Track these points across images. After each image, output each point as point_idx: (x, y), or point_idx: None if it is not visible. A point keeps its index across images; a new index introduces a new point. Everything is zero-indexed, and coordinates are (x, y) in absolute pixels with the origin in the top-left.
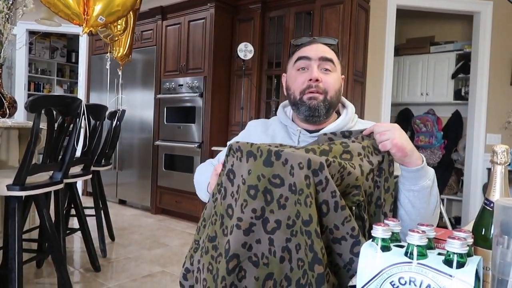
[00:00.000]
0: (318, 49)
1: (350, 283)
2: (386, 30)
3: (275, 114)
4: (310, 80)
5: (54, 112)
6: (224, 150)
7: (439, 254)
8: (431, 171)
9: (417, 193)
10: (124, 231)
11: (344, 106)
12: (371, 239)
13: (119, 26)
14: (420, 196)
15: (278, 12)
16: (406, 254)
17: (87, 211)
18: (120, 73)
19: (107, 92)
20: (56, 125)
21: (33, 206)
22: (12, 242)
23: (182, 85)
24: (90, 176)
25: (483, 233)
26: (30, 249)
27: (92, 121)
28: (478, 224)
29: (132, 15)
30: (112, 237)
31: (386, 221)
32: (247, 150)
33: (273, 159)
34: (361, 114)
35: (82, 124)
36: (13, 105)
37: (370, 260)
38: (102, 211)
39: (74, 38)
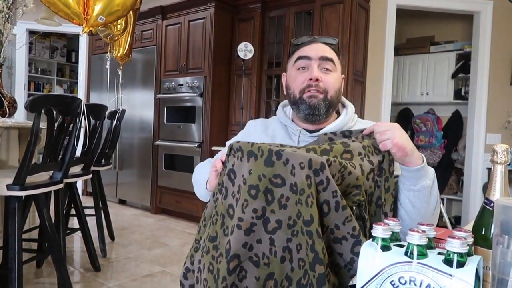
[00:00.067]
0: (318, 49)
1: (351, 283)
2: (386, 29)
3: (275, 114)
4: (310, 79)
5: (54, 112)
6: (223, 150)
7: (439, 253)
8: (431, 171)
9: (417, 192)
10: (124, 231)
11: (344, 106)
12: (371, 239)
13: (119, 26)
14: (420, 196)
15: (278, 11)
16: (406, 253)
17: (87, 211)
18: (120, 72)
19: (107, 92)
20: (56, 124)
21: (33, 206)
22: (12, 242)
23: (182, 84)
24: (90, 176)
25: (483, 232)
26: (30, 249)
27: (92, 121)
28: (478, 223)
29: (132, 15)
30: (112, 237)
31: (386, 221)
32: (248, 150)
33: (274, 158)
34: (361, 113)
35: (82, 124)
36: (13, 105)
37: (370, 259)
38: (102, 211)
39: (74, 38)
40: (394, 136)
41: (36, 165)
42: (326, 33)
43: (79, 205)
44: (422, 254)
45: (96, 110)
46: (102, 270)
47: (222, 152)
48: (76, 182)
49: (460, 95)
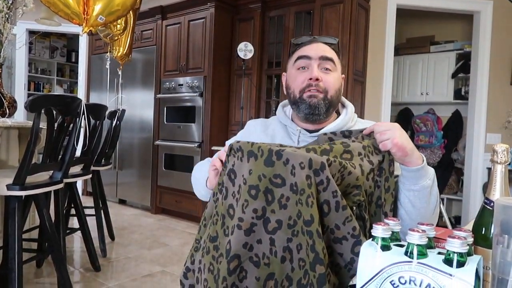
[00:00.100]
0: (318, 48)
1: (351, 283)
2: (386, 29)
3: (275, 114)
4: (310, 79)
5: (54, 112)
6: (222, 149)
7: (439, 253)
8: (431, 171)
9: (417, 192)
10: (124, 230)
11: (343, 105)
12: (371, 239)
13: (118, 26)
14: (420, 196)
15: (278, 11)
16: (406, 253)
17: (87, 211)
18: (120, 72)
19: (107, 92)
20: (56, 124)
21: (33, 205)
22: (12, 242)
23: (182, 84)
24: (90, 175)
25: (483, 232)
26: (30, 249)
27: (92, 121)
28: (478, 223)
29: (132, 15)
30: (112, 237)
31: (386, 221)
32: (248, 150)
33: (274, 158)
34: (361, 113)
35: (82, 124)
36: (13, 105)
37: (370, 259)
38: (102, 211)
39: (74, 38)
40: (394, 136)
41: (36, 165)
42: (326, 33)
43: (79, 205)
44: (422, 254)
45: (96, 110)
46: (102, 270)
47: (221, 151)
48: (76, 182)
49: (460, 95)
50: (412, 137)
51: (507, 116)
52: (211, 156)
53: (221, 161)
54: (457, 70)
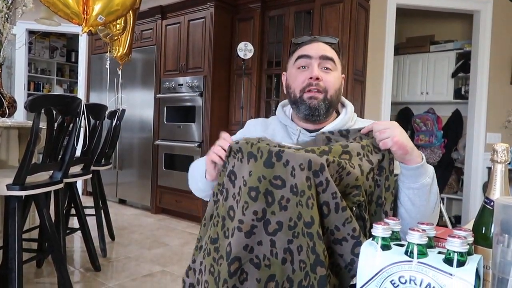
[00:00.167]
0: (318, 48)
1: (351, 282)
2: (386, 29)
3: (275, 114)
4: (311, 78)
5: (54, 112)
6: (218, 142)
7: (439, 253)
8: (431, 169)
9: (417, 191)
10: (124, 230)
11: (343, 105)
12: (371, 238)
13: (118, 26)
14: (420, 194)
15: (278, 11)
16: (406, 253)
17: (87, 211)
18: (120, 72)
19: (107, 92)
20: (56, 124)
21: (33, 205)
22: (12, 242)
23: (182, 84)
24: (90, 175)
25: (483, 231)
26: (30, 249)
27: (92, 121)
28: (478, 222)
29: (131, 15)
30: (112, 237)
31: (386, 220)
32: (248, 151)
33: (274, 160)
34: (361, 113)
35: (82, 124)
36: (12, 105)
37: (370, 259)
38: (102, 211)
39: (74, 38)
40: (394, 134)
41: (36, 165)
42: (326, 32)
43: (79, 205)
44: (422, 253)
45: (96, 110)
46: (102, 269)
47: (221, 140)
48: (76, 182)
49: (460, 94)
50: (412, 137)
51: (507, 115)
52: None
53: (223, 149)
54: (457, 70)
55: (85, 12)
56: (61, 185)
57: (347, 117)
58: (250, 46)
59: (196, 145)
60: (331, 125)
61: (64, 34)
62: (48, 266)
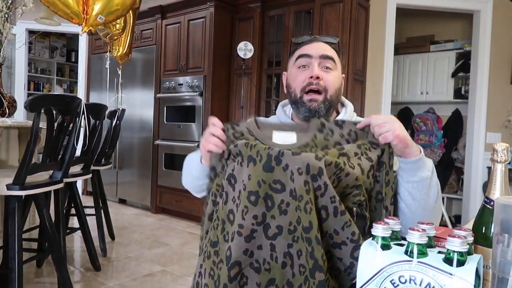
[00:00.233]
0: (319, 47)
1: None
2: (386, 28)
3: (275, 113)
4: (311, 77)
5: (54, 112)
6: (208, 128)
7: (439, 252)
8: (430, 162)
9: (417, 184)
10: (124, 230)
11: (343, 105)
12: (371, 238)
13: (118, 25)
14: (419, 188)
15: (277, 11)
16: (406, 252)
17: (87, 211)
18: (119, 72)
19: (107, 91)
20: (55, 124)
21: (33, 205)
22: (12, 242)
23: (182, 84)
24: (90, 175)
25: (483, 231)
26: (30, 249)
27: (92, 120)
28: (478, 222)
29: (131, 14)
30: (112, 237)
31: (386, 220)
32: (247, 155)
33: (274, 164)
34: (361, 113)
35: (82, 124)
36: (12, 105)
37: (370, 258)
38: (102, 211)
39: (74, 38)
40: (394, 128)
41: (36, 165)
42: (326, 32)
43: (79, 205)
44: (422, 253)
45: (96, 110)
46: (102, 269)
47: (211, 126)
48: (76, 181)
49: (460, 94)
50: (412, 137)
51: (507, 115)
52: None
53: (216, 136)
54: (457, 69)
55: (85, 12)
56: (61, 185)
57: (347, 116)
58: (250, 46)
59: (196, 144)
60: None
61: (64, 34)
62: (48, 266)
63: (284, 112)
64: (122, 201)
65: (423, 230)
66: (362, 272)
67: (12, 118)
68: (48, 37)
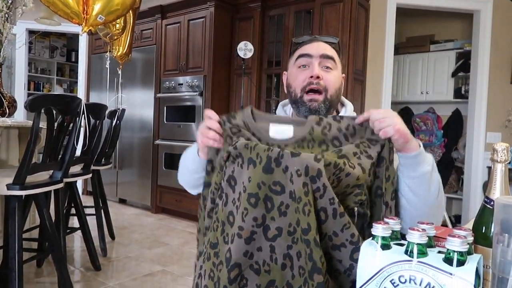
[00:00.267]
0: (319, 47)
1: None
2: (386, 28)
3: (275, 113)
4: (311, 77)
5: (54, 111)
6: (203, 123)
7: (439, 252)
8: (430, 156)
9: (417, 179)
10: (125, 230)
11: (343, 105)
12: (371, 238)
13: (118, 25)
14: (420, 183)
15: (278, 10)
16: (406, 252)
17: (87, 210)
18: (120, 72)
19: (107, 91)
20: (56, 124)
21: (33, 205)
22: (12, 242)
23: (182, 84)
24: (90, 175)
25: (483, 231)
26: (30, 248)
27: (92, 120)
28: (478, 222)
29: (131, 14)
30: (112, 236)
31: (386, 220)
32: (248, 157)
33: (273, 165)
34: (361, 112)
35: (82, 123)
36: (12, 105)
37: (370, 258)
38: (102, 210)
39: (74, 37)
40: (395, 122)
41: (36, 165)
42: (326, 32)
43: (79, 205)
44: (422, 253)
45: (96, 110)
46: (102, 269)
47: (207, 120)
48: (76, 181)
49: (460, 93)
50: None
51: (507, 114)
52: None
53: (212, 129)
54: (457, 69)
55: (85, 12)
56: (61, 185)
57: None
58: (250, 46)
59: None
60: None
61: (64, 34)
62: (48, 265)
63: (284, 111)
64: (122, 201)
65: (423, 230)
66: (362, 272)
67: (12, 118)
68: (48, 37)
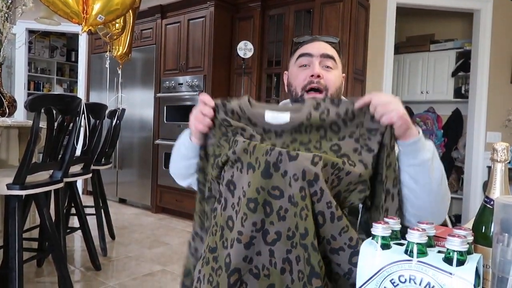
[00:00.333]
0: (320, 47)
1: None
2: (386, 28)
3: None
4: (312, 76)
5: (54, 111)
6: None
7: (439, 252)
8: (430, 143)
9: (418, 167)
10: (125, 230)
11: None
12: (371, 237)
13: (117, 25)
14: (421, 171)
15: (277, 10)
16: (406, 252)
17: (87, 210)
18: (119, 72)
19: (107, 91)
20: (56, 124)
21: (33, 205)
22: (13, 241)
23: (182, 83)
24: (90, 175)
25: (483, 231)
26: (31, 248)
27: (92, 120)
28: (478, 222)
29: (131, 14)
30: (112, 236)
31: (386, 219)
32: (247, 162)
33: (272, 170)
34: None
35: (82, 123)
36: (12, 104)
37: (370, 258)
38: (102, 210)
39: (74, 37)
40: (399, 108)
41: (36, 164)
42: (326, 31)
43: (79, 204)
44: (422, 253)
45: (96, 109)
46: (102, 269)
47: (200, 109)
48: (76, 181)
49: (460, 93)
50: None
51: (507, 114)
52: None
53: (205, 115)
54: (457, 69)
55: (84, 12)
56: (61, 185)
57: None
58: (250, 45)
59: None
60: None
61: (64, 34)
62: (49, 265)
63: None
64: (122, 201)
65: (423, 229)
66: (362, 272)
67: (12, 118)
68: (48, 36)
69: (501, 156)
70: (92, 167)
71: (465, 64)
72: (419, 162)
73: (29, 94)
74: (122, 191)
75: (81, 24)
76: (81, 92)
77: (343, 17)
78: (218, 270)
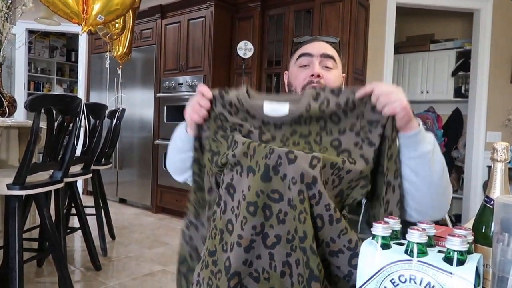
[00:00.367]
0: (320, 47)
1: None
2: (386, 28)
3: None
4: (312, 75)
5: (54, 111)
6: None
7: (439, 251)
8: (430, 135)
9: (419, 160)
10: (125, 230)
11: None
12: (371, 237)
13: (117, 25)
14: (422, 163)
15: (277, 10)
16: (406, 251)
17: (87, 210)
18: (119, 72)
19: (107, 91)
20: (56, 124)
21: (33, 205)
22: (13, 241)
23: (182, 83)
24: (90, 175)
25: (483, 230)
26: (31, 248)
27: (92, 120)
28: (478, 221)
29: (131, 14)
30: (112, 236)
31: (386, 219)
32: (247, 165)
33: (272, 174)
34: None
35: (82, 123)
36: (12, 104)
37: (370, 258)
38: (102, 210)
39: (74, 37)
40: (402, 99)
41: (36, 165)
42: (326, 31)
43: (79, 204)
44: (422, 252)
45: (96, 109)
46: (102, 269)
47: (197, 99)
48: (76, 181)
49: (460, 93)
50: None
51: (507, 114)
52: None
53: (202, 107)
54: (457, 68)
55: (84, 12)
56: (61, 185)
57: None
58: (250, 45)
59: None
60: None
61: (64, 34)
62: (49, 265)
63: None
64: (122, 201)
65: (423, 229)
66: (362, 271)
67: (12, 118)
68: (48, 37)
69: (501, 155)
70: (92, 167)
71: (465, 63)
72: (419, 154)
73: (29, 94)
74: (122, 191)
75: (81, 24)
76: (81, 92)
77: (343, 17)
78: (217, 273)
